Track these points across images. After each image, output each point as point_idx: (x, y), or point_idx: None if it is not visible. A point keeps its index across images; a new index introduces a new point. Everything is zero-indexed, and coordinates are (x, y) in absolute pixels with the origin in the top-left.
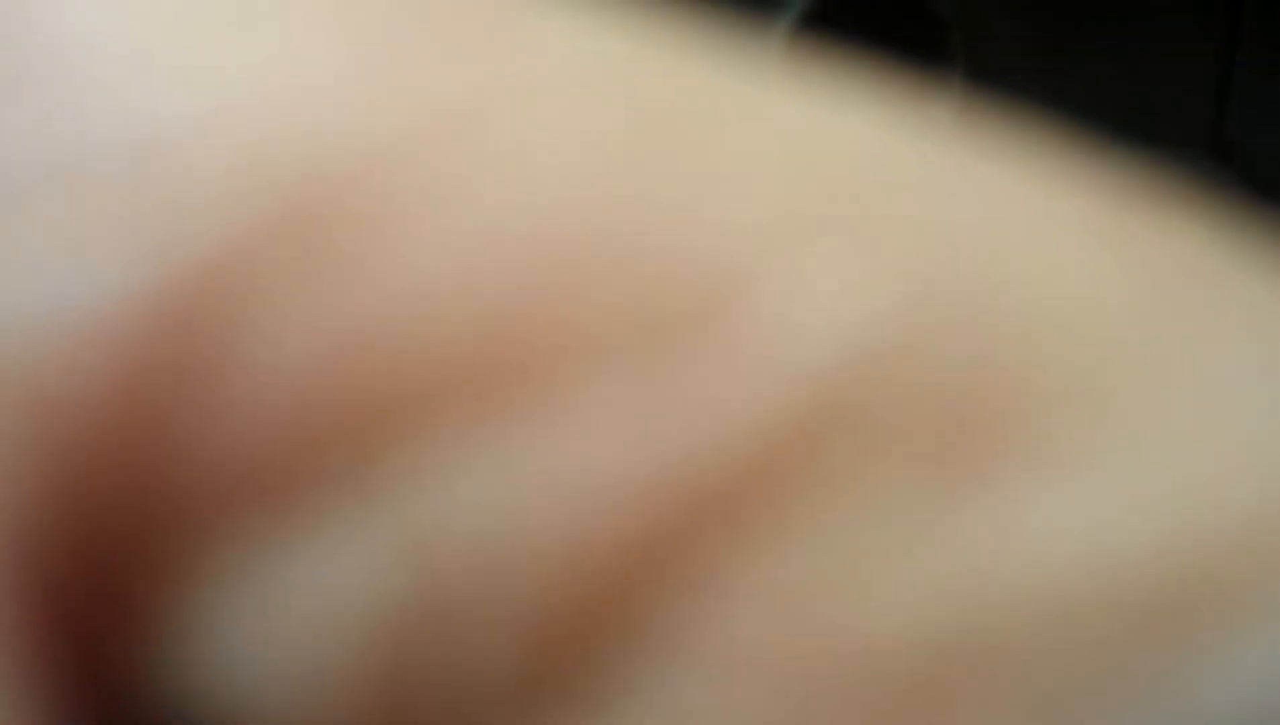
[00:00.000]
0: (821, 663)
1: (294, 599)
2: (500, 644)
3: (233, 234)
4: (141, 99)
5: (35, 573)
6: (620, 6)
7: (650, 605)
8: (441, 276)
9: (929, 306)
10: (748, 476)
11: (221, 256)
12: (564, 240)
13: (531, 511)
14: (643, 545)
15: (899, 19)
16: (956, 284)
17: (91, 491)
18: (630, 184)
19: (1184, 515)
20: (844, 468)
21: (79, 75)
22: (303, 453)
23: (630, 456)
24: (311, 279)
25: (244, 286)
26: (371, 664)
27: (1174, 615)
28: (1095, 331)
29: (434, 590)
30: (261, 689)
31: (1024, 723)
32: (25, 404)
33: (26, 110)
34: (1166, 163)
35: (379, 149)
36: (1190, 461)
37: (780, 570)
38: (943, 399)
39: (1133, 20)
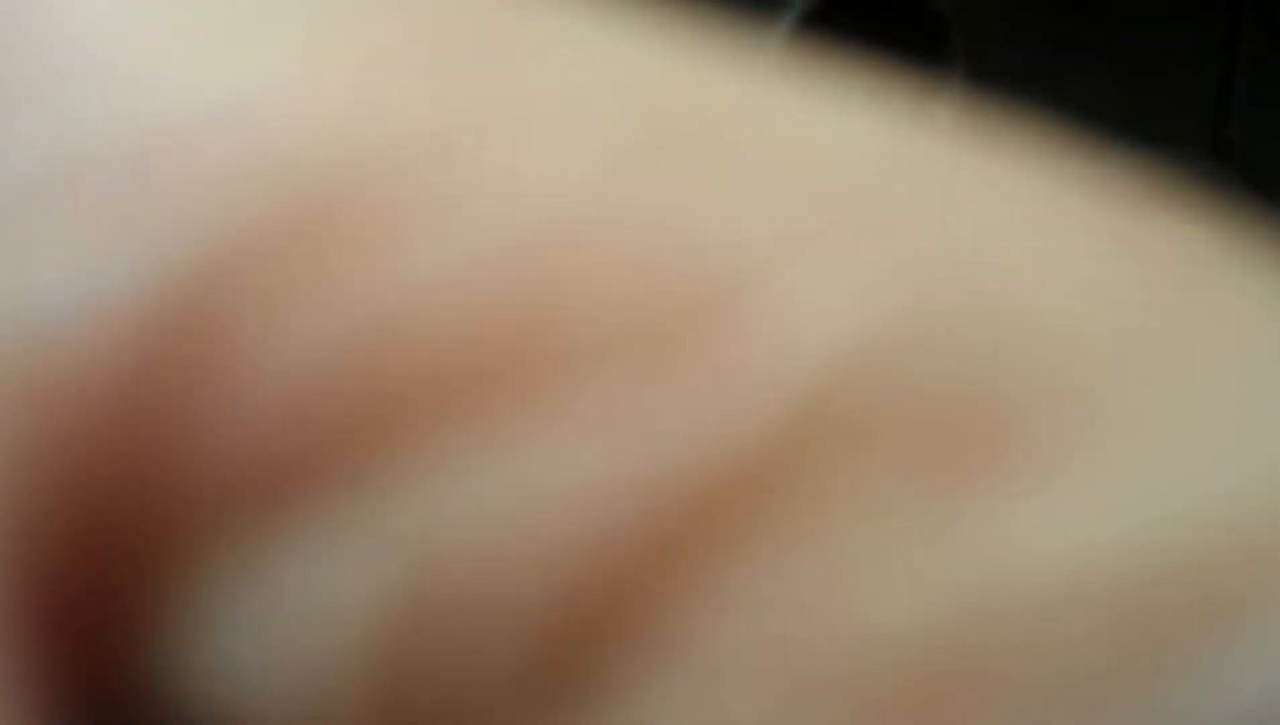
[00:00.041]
0: (820, 665)
1: (295, 597)
2: (501, 645)
3: (237, 237)
4: (148, 103)
5: (35, 569)
6: (622, 10)
7: (650, 607)
8: (445, 281)
9: (928, 310)
10: (747, 480)
11: (225, 259)
12: (566, 246)
13: (532, 513)
14: (642, 548)
15: (899, 19)
16: (956, 287)
17: (93, 489)
18: (631, 189)
19: (1184, 517)
20: (843, 472)
21: (87, 80)
22: (305, 452)
23: (631, 460)
24: (316, 282)
25: (247, 288)
26: (372, 663)
27: (1174, 617)
28: (1095, 334)
29: (435, 590)
30: (262, 688)
31: None
32: (28, 400)
33: (35, 113)
34: (1167, 163)
35: (383, 155)
36: (1190, 463)
37: (780, 573)
38: (941, 403)
39: (1133, 21)
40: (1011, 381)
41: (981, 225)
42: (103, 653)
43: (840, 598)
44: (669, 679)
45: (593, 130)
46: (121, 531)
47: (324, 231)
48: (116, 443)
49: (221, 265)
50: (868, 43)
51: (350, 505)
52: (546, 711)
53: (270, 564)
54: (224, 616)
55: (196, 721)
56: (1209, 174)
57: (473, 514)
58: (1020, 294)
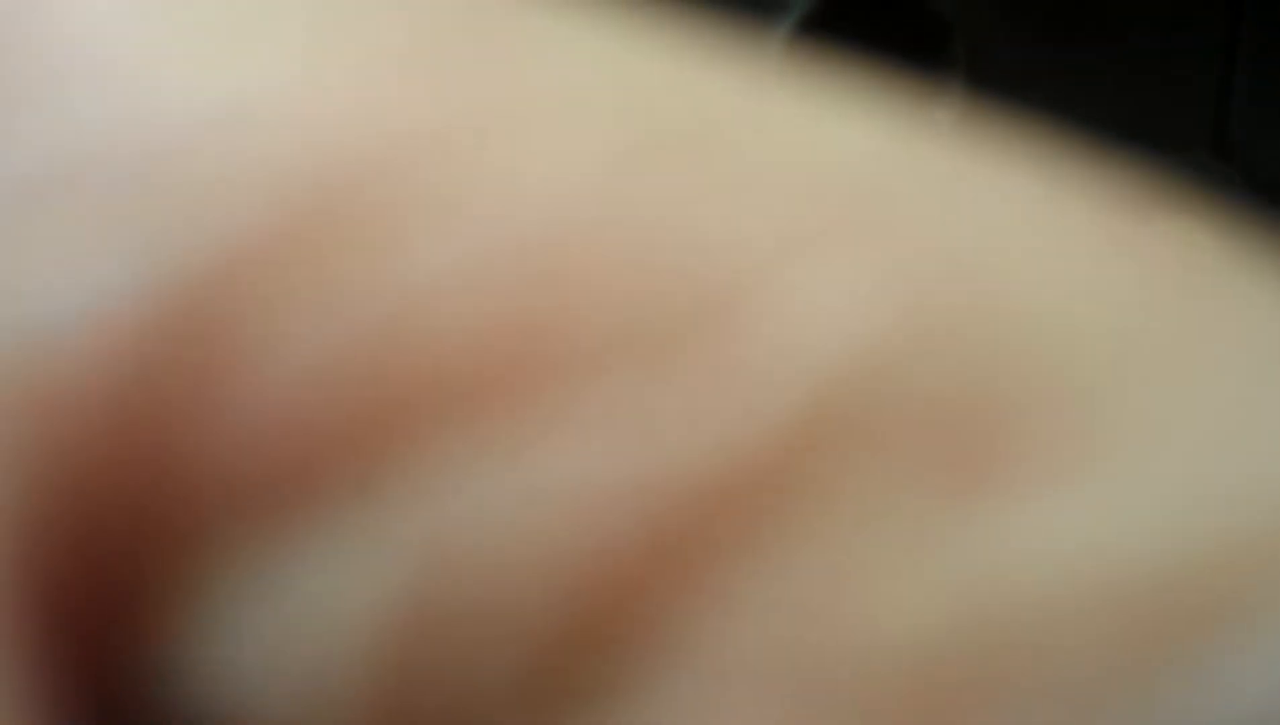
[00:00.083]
0: (825, 668)
1: (299, 602)
2: (506, 649)
3: (237, 240)
4: (148, 105)
5: (38, 574)
6: (621, 12)
7: (655, 611)
8: (446, 283)
9: (930, 312)
10: (751, 483)
11: (228, 262)
12: (566, 248)
13: (535, 517)
14: (646, 552)
15: (899, 22)
16: (957, 288)
17: (96, 494)
18: (631, 190)
19: (1187, 519)
20: (847, 474)
21: (86, 81)
22: (307, 456)
23: (634, 463)
24: (317, 285)
25: (248, 292)
26: (376, 668)
27: (1177, 619)
28: (1096, 335)
29: (439, 594)
30: (266, 692)
31: None
32: (31, 405)
33: (35, 114)
34: (1168, 164)
35: (383, 157)
36: (1192, 465)
37: (784, 576)
38: (944, 404)
39: (1133, 22)
40: (1013, 383)
41: (982, 226)
42: (107, 658)
43: (845, 600)
44: (674, 683)
45: (592, 131)
46: (125, 536)
47: (325, 234)
48: (119, 448)
49: (222, 269)
50: (868, 46)
51: (353, 510)
52: (551, 716)
53: (274, 569)
54: (228, 621)
55: (200, 724)
56: (1210, 175)
57: (476, 518)
58: (1021, 295)
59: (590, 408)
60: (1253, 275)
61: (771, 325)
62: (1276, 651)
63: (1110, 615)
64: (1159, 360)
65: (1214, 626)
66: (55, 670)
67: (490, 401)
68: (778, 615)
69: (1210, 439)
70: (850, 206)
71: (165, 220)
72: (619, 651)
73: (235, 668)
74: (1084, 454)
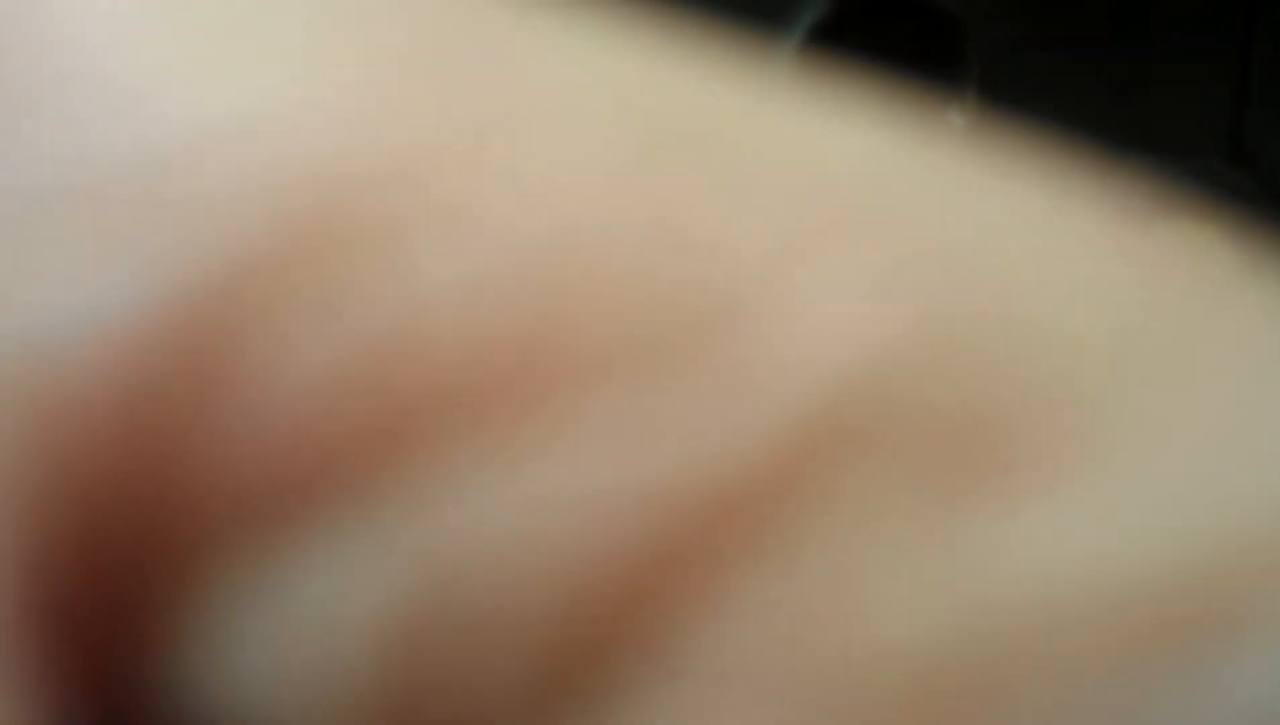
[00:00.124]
0: (827, 674)
1: (303, 610)
2: (509, 656)
3: (243, 250)
4: (151, 117)
5: (43, 582)
6: (630, 22)
7: (657, 617)
8: (449, 293)
9: (934, 318)
10: (754, 489)
11: (233, 272)
12: (570, 256)
13: (539, 525)
14: (649, 559)
15: (912, 29)
16: (962, 295)
17: (101, 504)
18: (635, 198)
19: (1189, 525)
20: (848, 479)
21: (91, 94)
22: (311, 466)
23: (637, 471)
24: (322, 296)
25: (254, 302)
26: (380, 676)
27: (1179, 625)
28: (1100, 341)
29: (442, 602)
30: (271, 701)
31: None
32: (36, 415)
33: (40, 128)
34: (1183, 170)
35: (389, 169)
36: (1195, 471)
37: (785, 581)
38: (947, 410)
39: (1149, 30)
40: (1015, 388)
41: (986, 231)
42: (112, 665)
43: (846, 606)
44: (675, 688)
45: (595, 138)
46: (129, 545)
47: (327, 243)
48: (123, 457)
49: (225, 278)
50: (880, 53)
51: (357, 518)
52: (555, 722)
53: (278, 577)
54: (232, 629)
55: None
56: (1226, 181)
57: (480, 526)
58: (1024, 300)
59: (592, 415)
60: (1260, 280)
61: (774, 331)
62: (1276, 656)
63: (1110, 620)
64: (1161, 365)
65: (1214, 631)
66: (60, 678)
67: (493, 410)
68: (779, 620)
69: (1211, 444)
70: (854, 211)
71: (169, 231)
72: (621, 657)
73: (239, 675)
74: (1085, 459)
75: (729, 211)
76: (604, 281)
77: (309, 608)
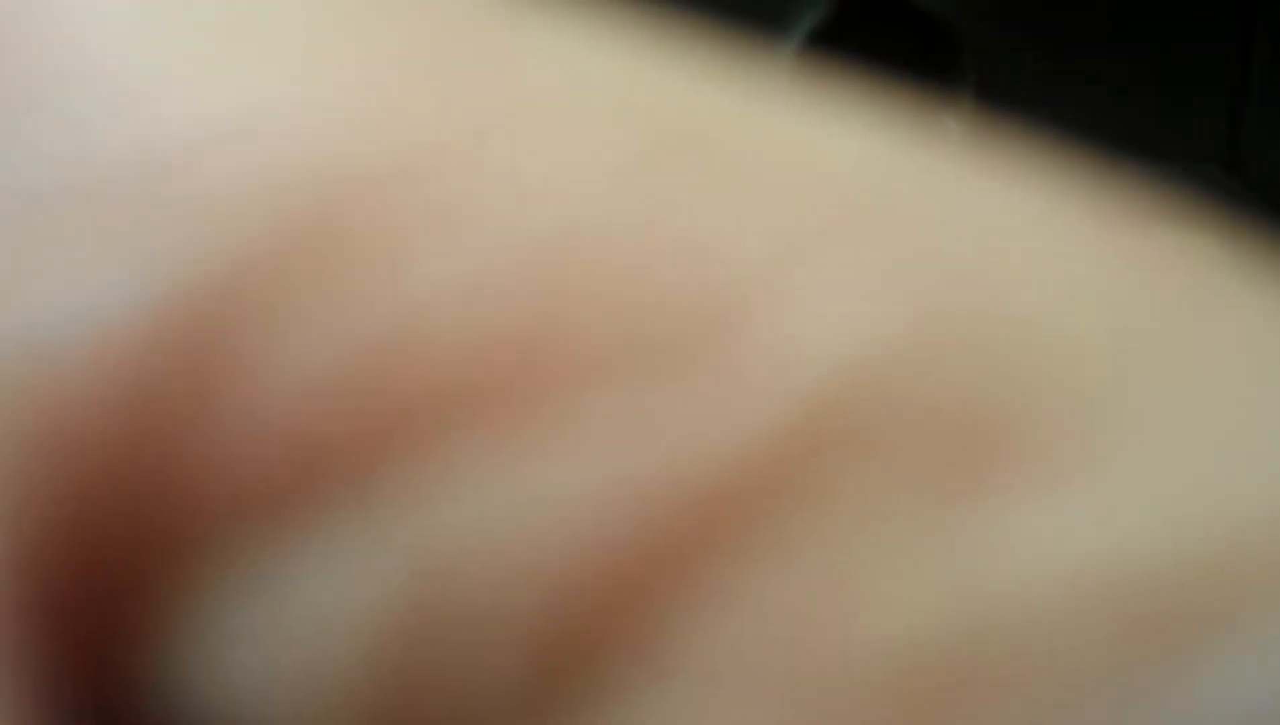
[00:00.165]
0: (823, 672)
1: (297, 608)
2: (504, 654)
3: (241, 250)
4: (151, 118)
5: (38, 579)
6: (629, 24)
7: (653, 616)
8: (448, 293)
9: (931, 318)
10: (751, 488)
11: (231, 271)
12: (568, 257)
13: (535, 523)
14: (646, 557)
15: (908, 35)
16: (959, 295)
17: (97, 501)
18: (633, 199)
19: (1186, 523)
20: (846, 479)
21: (89, 95)
22: (308, 464)
23: (634, 470)
24: (319, 296)
25: (252, 301)
26: (375, 673)
27: (1176, 623)
28: (1097, 341)
29: (437, 599)
30: (265, 698)
31: None
32: (33, 411)
33: (40, 128)
34: (1180, 177)
35: (388, 169)
36: (1191, 470)
37: (783, 581)
38: (944, 410)
39: (1146, 34)
40: (1012, 388)
41: (984, 233)
42: (107, 664)
43: (843, 605)
44: (672, 687)
45: (594, 139)
46: (125, 542)
47: (327, 245)
48: (119, 455)
49: (224, 278)
50: (877, 59)
51: (353, 516)
52: (550, 720)
53: (273, 574)
54: (227, 627)
55: None
56: (1223, 188)
57: (475, 524)
58: (1022, 301)
59: (590, 414)
60: (1257, 284)
61: (772, 331)
62: (1272, 654)
63: (1107, 618)
64: (1158, 365)
65: (1210, 629)
66: (55, 675)
67: (489, 409)
68: (775, 619)
69: (1208, 443)
70: (852, 212)
71: (168, 230)
72: (616, 655)
73: (233, 673)
74: (1081, 457)
75: (728, 212)
76: (602, 281)
77: (303, 606)
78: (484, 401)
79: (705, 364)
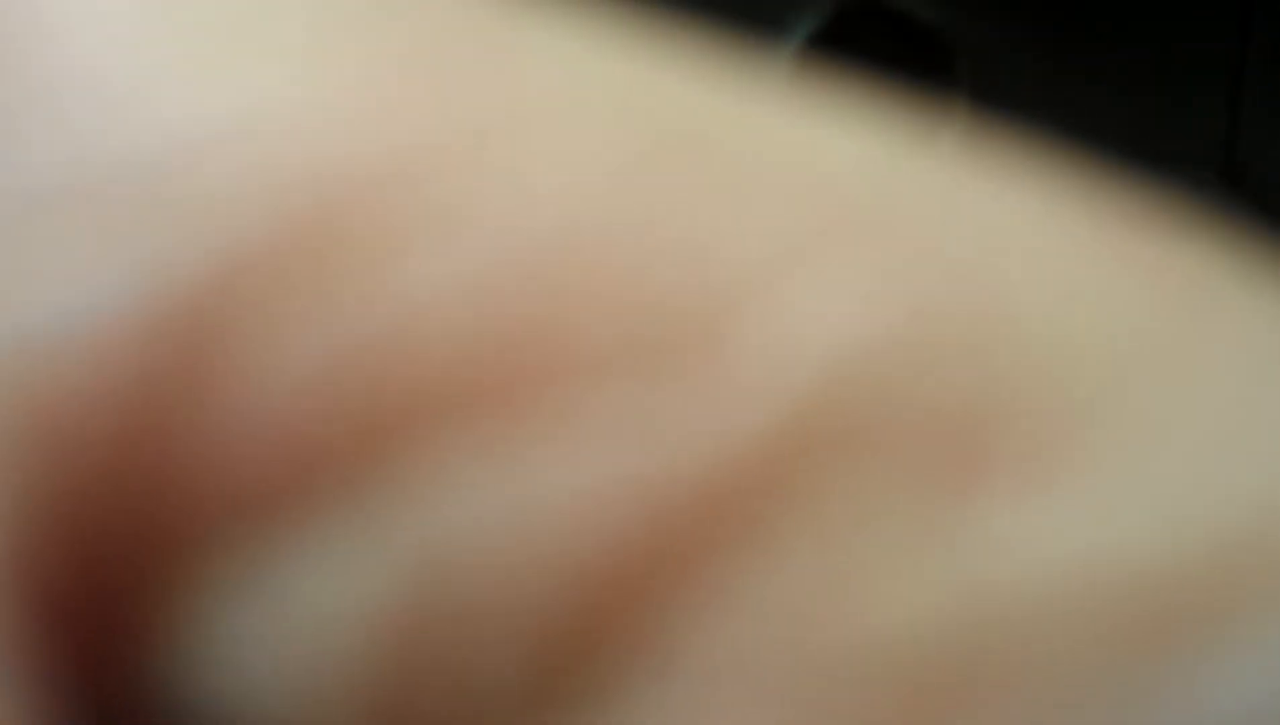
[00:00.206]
0: (819, 670)
1: (298, 605)
2: (503, 652)
3: (239, 249)
4: (149, 118)
5: (40, 580)
6: (628, 26)
7: (650, 613)
8: (446, 292)
9: (927, 318)
10: (748, 487)
11: (228, 270)
12: (566, 256)
13: (533, 521)
14: (643, 555)
15: (903, 41)
16: (955, 295)
17: (97, 499)
18: (631, 199)
19: (1182, 522)
20: (843, 478)
21: (87, 95)
22: (307, 461)
23: (631, 468)
24: (317, 295)
25: (250, 300)
26: (375, 670)
27: (1173, 621)
28: (1093, 341)
29: (437, 597)
30: (266, 695)
31: None
32: (31, 413)
33: (36, 128)
34: (1176, 184)
35: (387, 169)
36: (1188, 469)
37: (780, 579)
38: (940, 409)
39: (1142, 43)
40: (1009, 387)
41: (980, 233)
42: (108, 662)
43: (840, 603)
44: (670, 684)
45: (593, 139)
46: (124, 540)
47: (325, 244)
48: (118, 453)
49: (222, 278)
50: (874, 65)
51: (352, 514)
52: (547, 717)
53: (273, 572)
54: (228, 624)
55: None
56: (1219, 195)
57: (474, 522)
58: (1018, 301)
59: (588, 413)
60: (1253, 286)
61: (770, 332)
62: (1271, 653)
63: (1105, 616)
64: (1155, 366)
65: (1209, 629)
66: (55, 673)
67: (487, 407)
68: (773, 617)
69: (1205, 443)
70: (850, 213)
71: (166, 230)
72: (615, 653)
73: (234, 670)
74: (1079, 457)
75: (725, 212)
76: (601, 281)
77: (302, 603)
78: (482, 400)
79: (704, 363)
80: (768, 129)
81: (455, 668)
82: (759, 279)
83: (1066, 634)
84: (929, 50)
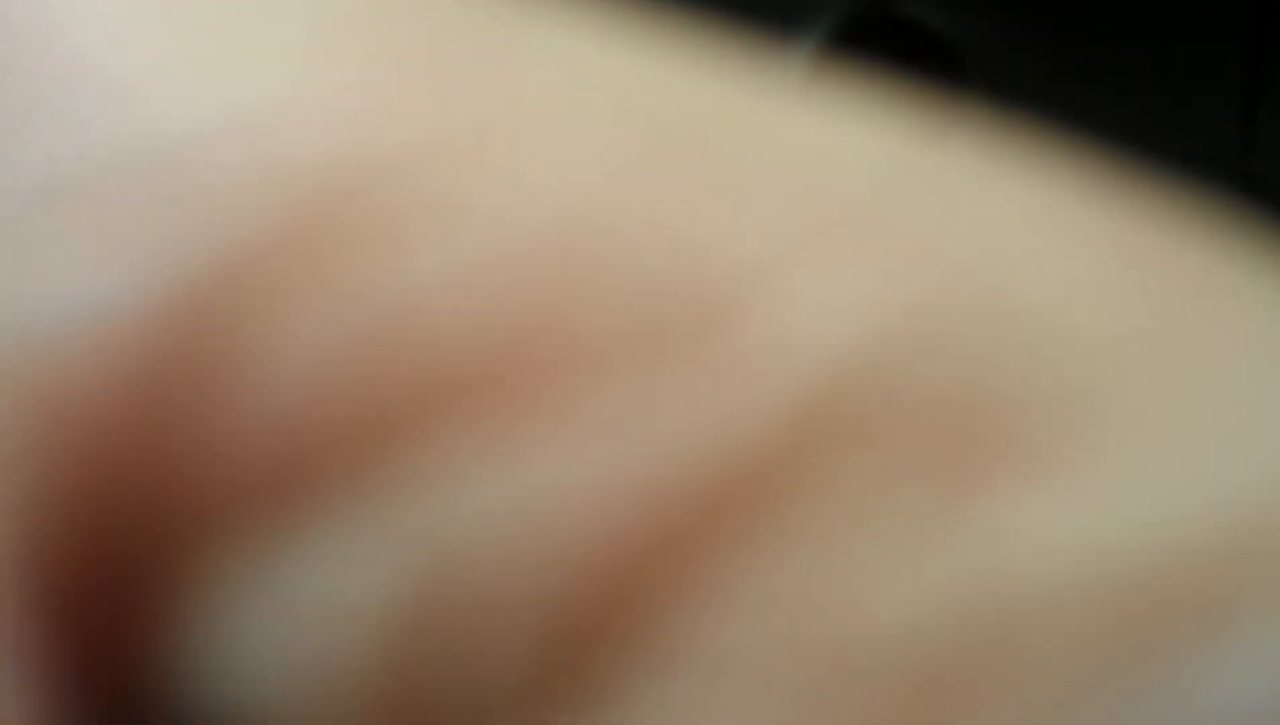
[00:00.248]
0: (823, 664)
1: (303, 599)
2: (508, 646)
3: (243, 243)
4: (152, 113)
5: (45, 574)
6: (630, 23)
7: (653, 608)
8: (448, 286)
9: (931, 312)
10: (751, 481)
11: (232, 264)
12: (569, 250)
13: (538, 515)
14: (647, 550)
15: (912, 50)
16: (959, 290)
17: (101, 492)
18: (633, 194)
19: (1184, 517)
20: (846, 472)
21: (91, 90)
22: (312, 455)
23: (635, 461)
24: (322, 287)
25: (254, 293)
26: (379, 664)
27: (1174, 615)
28: (1096, 336)
29: (442, 591)
30: (270, 688)
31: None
32: (36, 406)
33: (40, 124)
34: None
35: (385, 163)
36: (1189, 463)
37: (784, 573)
38: (943, 403)
39: (1156, 32)
40: (1013, 382)
41: (985, 229)
42: (112, 655)
43: (843, 597)
44: (673, 678)
45: (594, 136)
46: (129, 534)
47: (327, 238)
48: (124, 447)
49: (226, 272)
50: (886, 67)
51: (357, 507)
52: (553, 711)
53: (278, 566)
54: (232, 618)
55: (206, 722)
56: (1233, 188)
57: (479, 515)
58: (1021, 296)
59: (591, 406)
60: (1257, 281)
61: (773, 326)
62: (1267, 647)
63: (1106, 611)
64: (1158, 361)
65: (1206, 622)
66: (60, 666)
67: (492, 400)
68: (776, 611)
69: (1205, 439)
70: (854, 208)
71: (170, 227)
72: (618, 646)
73: (240, 663)
74: (1082, 452)
75: (728, 208)
76: (603, 275)
77: (308, 595)
78: (487, 393)
79: (705, 356)
80: (770, 126)
81: (461, 660)
82: (762, 274)
83: (1069, 628)
84: (939, 54)
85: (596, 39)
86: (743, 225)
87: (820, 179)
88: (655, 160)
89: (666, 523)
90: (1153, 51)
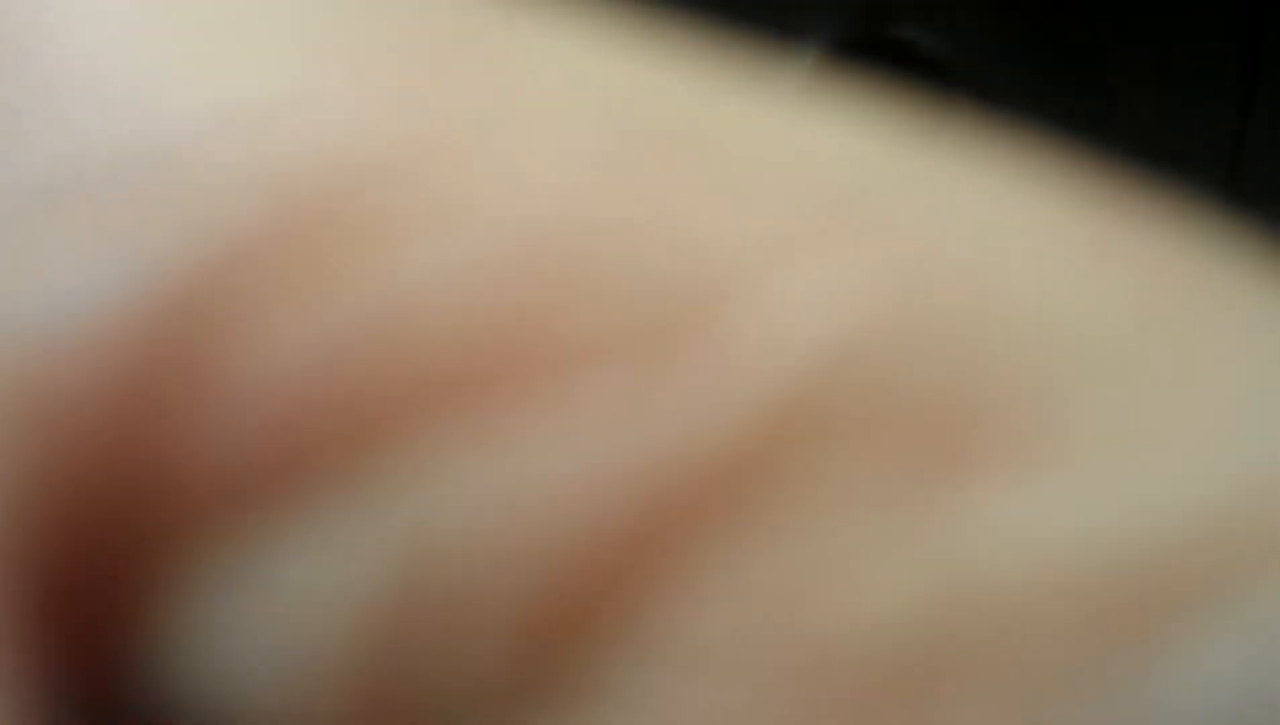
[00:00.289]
0: (804, 656)
1: (288, 594)
2: (492, 639)
3: (232, 242)
4: (145, 112)
5: (32, 569)
6: (622, 23)
7: (635, 602)
8: (437, 282)
9: (914, 309)
10: (733, 475)
11: (221, 261)
12: (558, 247)
13: (521, 509)
14: (631, 543)
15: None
16: (942, 287)
17: (89, 489)
18: (623, 192)
19: (1164, 509)
20: (828, 465)
21: (85, 90)
22: (298, 451)
23: (619, 455)
24: (310, 285)
25: (243, 290)
26: (364, 658)
27: (1154, 607)
28: (1079, 333)
29: (426, 585)
30: (256, 683)
31: (999, 717)
32: (25, 403)
33: (34, 123)
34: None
35: (377, 161)
36: (1170, 456)
37: (766, 565)
38: (925, 398)
39: (1149, 36)
40: (994, 378)
41: (969, 227)
42: (98, 651)
43: (825, 589)
44: (657, 669)
45: (586, 134)
46: (115, 530)
47: (319, 236)
48: (112, 444)
49: (217, 269)
50: (878, 76)
51: (344, 501)
52: (537, 704)
53: (263, 560)
54: (218, 613)
55: (192, 717)
56: (1225, 192)
57: (463, 509)
58: (1006, 293)
59: (578, 400)
60: (1243, 281)
61: (758, 322)
62: (1249, 638)
63: (1087, 602)
64: (1141, 361)
65: (1191, 615)
66: (44, 661)
67: (477, 395)
68: (759, 603)
69: (1189, 434)
70: (839, 207)
71: (162, 225)
72: (602, 639)
73: (224, 658)
74: (1062, 446)
75: (717, 206)
76: (591, 272)
77: (294, 591)
78: (472, 388)
79: (694, 352)
80: (761, 127)
81: (442, 654)
82: (750, 270)
83: (1047, 622)
84: (931, 72)
85: (589, 39)
86: (732, 221)
87: (810, 179)
88: (649, 158)
89: (651, 515)
90: (1145, 58)
